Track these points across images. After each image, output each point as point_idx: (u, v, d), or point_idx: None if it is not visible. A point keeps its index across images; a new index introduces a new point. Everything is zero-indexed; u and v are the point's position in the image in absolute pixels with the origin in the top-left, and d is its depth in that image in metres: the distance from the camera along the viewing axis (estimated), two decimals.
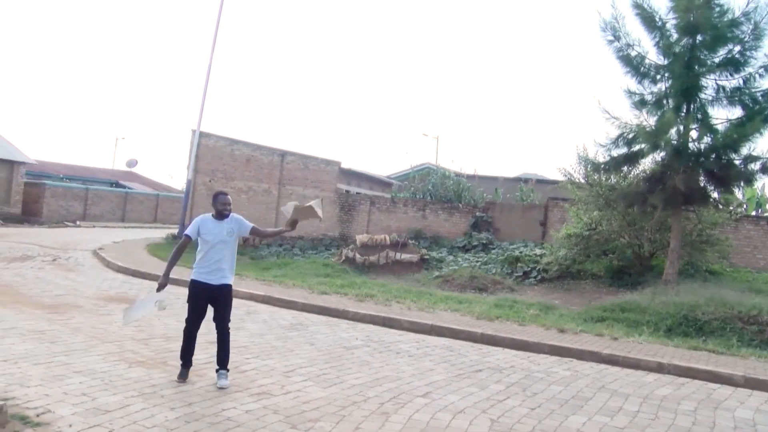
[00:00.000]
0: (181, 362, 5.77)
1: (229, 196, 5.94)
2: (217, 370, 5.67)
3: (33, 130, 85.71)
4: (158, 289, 5.88)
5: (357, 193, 23.09)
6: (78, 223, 29.27)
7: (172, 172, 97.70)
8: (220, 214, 5.81)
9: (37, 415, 4.37)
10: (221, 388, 5.46)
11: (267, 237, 6.08)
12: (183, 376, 5.67)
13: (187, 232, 5.83)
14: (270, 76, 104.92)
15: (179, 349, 6.75)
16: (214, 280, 5.74)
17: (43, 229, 24.80)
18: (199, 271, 5.77)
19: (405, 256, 15.98)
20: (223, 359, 5.69)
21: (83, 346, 6.52)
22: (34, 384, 5.07)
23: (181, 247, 5.85)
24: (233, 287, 6.01)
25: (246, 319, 9.10)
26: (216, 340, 5.78)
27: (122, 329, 7.52)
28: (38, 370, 5.49)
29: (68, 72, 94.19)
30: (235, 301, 10.63)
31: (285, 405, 5.16)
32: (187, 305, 5.85)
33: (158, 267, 14.15)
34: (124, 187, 38.02)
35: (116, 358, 6.15)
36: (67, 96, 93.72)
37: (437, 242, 18.50)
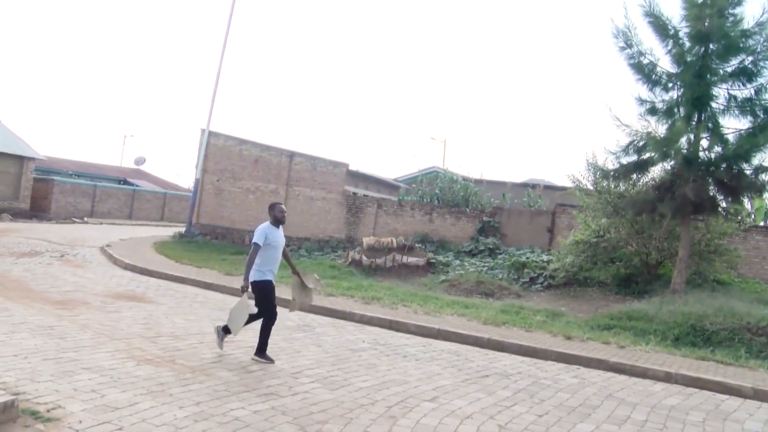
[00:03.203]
0: (259, 346, 6.67)
1: (283, 206, 6.97)
2: (260, 352, 6.63)
3: (43, 127, 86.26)
4: (243, 291, 6.75)
5: (364, 195, 23.09)
6: (86, 219, 29.39)
7: (180, 170, 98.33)
8: (278, 222, 6.80)
9: (48, 411, 4.39)
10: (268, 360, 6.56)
11: (286, 258, 7.27)
12: (270, 358, 6.62)
13: (257, 240, 6.62)
14: (280, 76, 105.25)
15: (187, 347, 6.84)
16: (273, 278, 6.80)
17: (51, 225, 24.91)
18: (265, 270, 6.69)
19: (411, 260, 15.97)
20: (265, 342, 6.69)
21: (92, 343, 6.54)
22: (44, 379, 5.10)
23: (255, 254, 6.63)
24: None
25: None
26: (263, 326, 6.70)
27: (130, 327, 7.54)
28: (48, 365, 5.52)
29: (78, 69, 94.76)
30: None
31: (293, 406, 5.16)
32: (262, 302, 6.77)
33: (165, 265, 14.23)
34: (131, 184, 38.14)
35: (124, 356, 6.17)
36: (77, 93, 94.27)
37: (444, 246, 18.48)
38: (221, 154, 21.94)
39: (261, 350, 6.65)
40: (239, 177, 21.57)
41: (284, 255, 7.04)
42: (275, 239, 6.70)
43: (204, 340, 7.30)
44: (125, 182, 39.09)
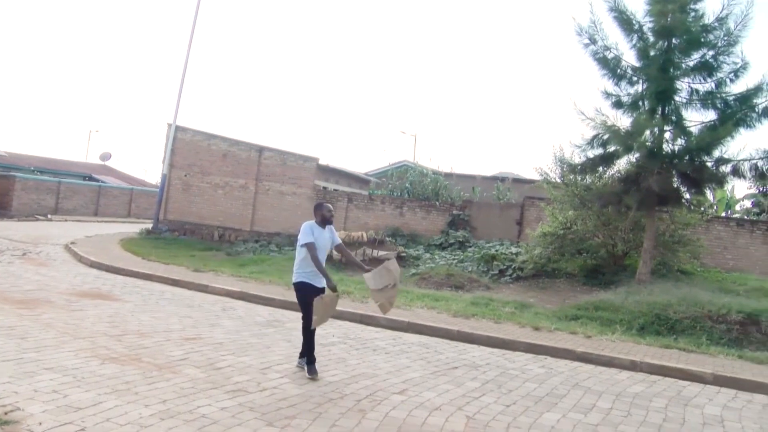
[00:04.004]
0: (306, 359, 6.16)
1: (329, 205, 6.54)
2: (309, 364, 6.10)
3: (4, 122, 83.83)
4: (333, 290, 6.25)
5: (335, 189, 23.03)
6: (50, 216, 28.67)
7: (147, 166, 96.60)
8: (325, 221, 6.40)
9: (6, 413, 4.27)
10: (313, 377, 5.97)
11: (348, 258, 6.86)
12: (313, 372, 6.06)
13: (306, 239, 6.22)
14: (248, 71, 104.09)
15: (153, 345, 6.73)
16: (319, 282, 6.24)
17: (12, 223, 24.25)
18: (305, 273, 6.23)
19: (382, 254, 15.98)
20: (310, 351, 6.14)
21: (54, 343, 6.39)
22: (3, 381, 4.95)
23: (314, 251, 6.19)
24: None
25: (222, 315, 9.01)
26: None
27: (95, 325, 7.39)
28: (7, 366, 5.36)
29: (41, 63, 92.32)
30: (210, 298, 10.71)
31: (261, 402, 5.13)
32: (300, 306, 6.37)
33: (132, 262, 13.99)
34: (97, 180, 37.35)
35: (89, 355, 6.04)
36: (40, 87, 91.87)
37: (414, 240, 18.53)
38: (189, 149, 21.61)
39: (302, 354, 6.33)
40: (208, 172, 21.28)
41: (345, 255, 6.77)
42: (320, 239, 6.29)
43: (171, 338, 7.19)
44: (91, 178, 38.25)
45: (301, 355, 6.33)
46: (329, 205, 6.49)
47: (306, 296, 6.17)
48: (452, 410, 5.39)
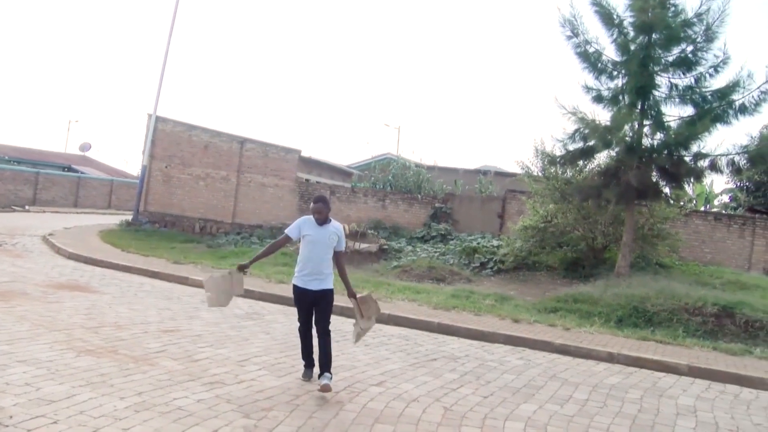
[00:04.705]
0: (304, 362, 5.79)
1: (320, 204, 5.61)
2: (319, 375, 5.45)
3: None
4: (239, 269, 5.85)
5: (317, 182, 22.94)
6: (27, 208, 28.25)
7: (128, 157, 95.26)
8: (318, 220, 5.61)
9: None
10: (325, 391, 5.30)
11: (340, 271, 5.87)
12: (307, 375, 5.73)
13: (288, 230, 5.69)
14: (230, 61, 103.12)
15: (130, 337, 6.67)
16: (313, 285, 5.57)
17: None
18: (300, 274, 5.64)
19: (364, 246, 15.98)
20: (325, 363, 5.43)
21: (29, 335, 6.30)
22: None
23: (276, 243, 5.91)
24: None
25: (201, 308, 8.94)
26: (318, 343, 5.55)
27: (71, 318, 7.30)
28: None
29: (19, 51, 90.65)
30: (189, 290, 10.63)
31: (238, 394, 5.11)
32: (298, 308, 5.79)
33: (111, 254, 13.83)
34: (77, 171, 36.86)
35: (64, 347, 5.97)
36: (18, 76, 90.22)
37: (396, 233, 18.55)
38: (170, 140, 21.38)
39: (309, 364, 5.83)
40: (189, 163, 21.08)
41: (339, 266, 5.84)
42: (313, 235, 5.57)
43: (148, 330, 7.13)
44: (70, 169, 37.75)
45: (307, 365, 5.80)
46: (320, 204, 5.61)
47: (297, 300, 5.72)
48: (430, 401, 5.41)
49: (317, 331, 5.57)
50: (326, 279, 5.63)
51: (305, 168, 22.33)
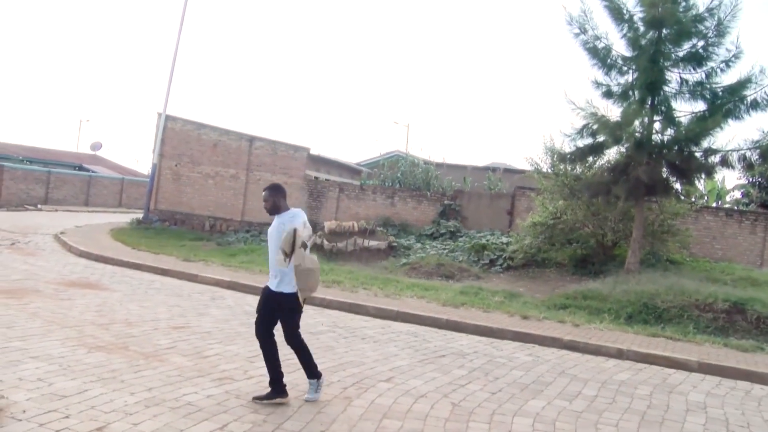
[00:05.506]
0: (270, 387, 4.97)
1: (265, 192, 5.05)
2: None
3: None
4: None
5: (326, 179, 22.98)
6: (39, 206, 28.48)
7: (138, 156, 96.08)
8: (265, 208, 5.07)
9: None
10: (309, 401, 4.94)
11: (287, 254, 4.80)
12: (281, 396, 4.92)
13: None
14: (239, 60, 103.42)
15: (140, 334, 6.73)
16: (273, 284, 5.01)
17: (1, 213, 24.09)
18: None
19: (373, 243, 15.99)
20: (306, 369, 5.06)
21: (41, 331, 6.37)
22: None
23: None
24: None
25: (210, 305, 9.01)
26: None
27: (83, 314, 7.37)
28: None
29: (31, 52, 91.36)
30: (199, 287, 10.70)
31: (247, 390, 5.14)
32: None
33: (121, 252, 13.93)
34: (88, 170, 37.11)
35: (75, 343, 6.03)
36: (30, 76, 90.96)
37: (405, 230, 18.55)
38: (179, 139, 21.49)
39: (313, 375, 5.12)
40: (198, 162, 21.18)
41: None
42: (269, 232, 5.08)
43: (158, 327, 7.19)
44: (81, 168, 38.01)
45: (311, 376, 5.11)
46: (264, 192, 5.06)
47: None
48: (438, 397, 5.42)
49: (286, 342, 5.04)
50: (283, 280, 4.90)
51: (314, 166, 22.37)
